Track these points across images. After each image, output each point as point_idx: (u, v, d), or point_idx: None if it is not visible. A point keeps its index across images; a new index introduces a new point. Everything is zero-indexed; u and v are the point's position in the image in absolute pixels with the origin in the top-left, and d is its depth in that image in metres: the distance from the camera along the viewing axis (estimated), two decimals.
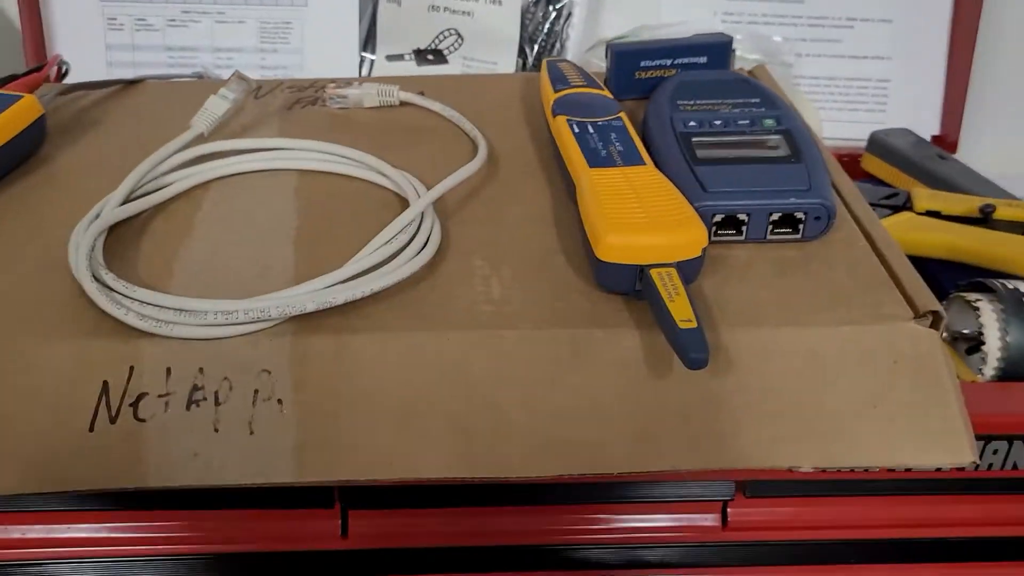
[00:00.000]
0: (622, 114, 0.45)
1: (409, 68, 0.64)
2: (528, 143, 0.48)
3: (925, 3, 0.68)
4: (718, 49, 0.52)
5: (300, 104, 0.52)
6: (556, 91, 0.47)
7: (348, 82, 0.50)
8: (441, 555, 0.45)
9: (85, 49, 0.64)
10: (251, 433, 0.33)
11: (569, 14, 0.65)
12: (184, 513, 0.43)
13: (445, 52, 0.62)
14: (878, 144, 0.63)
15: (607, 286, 0.37)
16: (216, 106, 0.46)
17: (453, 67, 0.63)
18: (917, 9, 0.68)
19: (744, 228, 0.40)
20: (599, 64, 0.63)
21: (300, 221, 0.41)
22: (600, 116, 0.44)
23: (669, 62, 0.52)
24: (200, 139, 0.46)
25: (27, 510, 0.41)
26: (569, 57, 0.65)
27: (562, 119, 0.44)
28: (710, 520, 0.45)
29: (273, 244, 0.40)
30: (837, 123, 0.49)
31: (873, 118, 0.69)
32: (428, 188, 0.42)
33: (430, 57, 0.63)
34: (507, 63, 0.63)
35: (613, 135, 0.43)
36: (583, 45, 0.65)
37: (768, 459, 0.34)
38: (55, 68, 0.53)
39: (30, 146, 0.45)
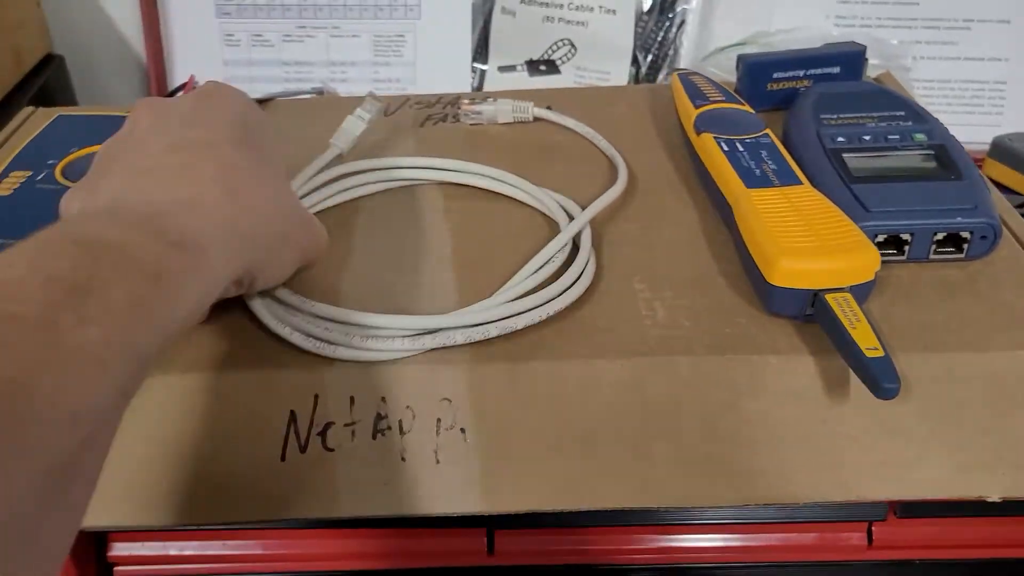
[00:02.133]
0: (768, 130, 0.44)
1: (521, 78, 0.64)
2: (665, 159, 0.48)
3: None
4: (852, 58, 0.51)
5: (432, 120, 0.52)
6: (697, 107, 0.46)
7: (482, 98, 0.50)
8: (586, 573, 0.45)
9: (204, 66, 0.65)
10: (437, 463, 0.33)
11: (682, 22, 0.64)
12: (335, 532, 0.43)
13: (558, 62, 0.62)
14: (1002, 149, 0.62)
15: (776, 311, 0.36)
16: (353, 126, 0.47)
17: (565, 77, 0.63)
18: None
19: (907, 248, 0.39)
20: (717, 73, 0.63)
21: (455, 242, 0.42)
22: (747, 133, 0.44)
23: (802, 73, 0.51)
24: (339, 159, 0.46)
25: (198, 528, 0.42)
26: (683, 66, 0.65)
27: (708, 137, 0.44)
28: (855, 539, 0.45)
29: (433, 266, 0.40)
30: (953, 127, 0.48)
31: (989, 121, 0.68)
32: (570, 206, 0.42)
33: (543, 68, 0.63)
34: (620, 73, 0.62)
35: (763, 153, 0.42)
36: (697, 53, 0.65)
37: (955, 488, 0.33)
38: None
39: None
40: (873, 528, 0.45)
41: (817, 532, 0.45)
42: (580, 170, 0.47)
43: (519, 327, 0.35)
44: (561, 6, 0.63)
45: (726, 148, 0.43)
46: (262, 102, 0.55)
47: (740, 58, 0.51)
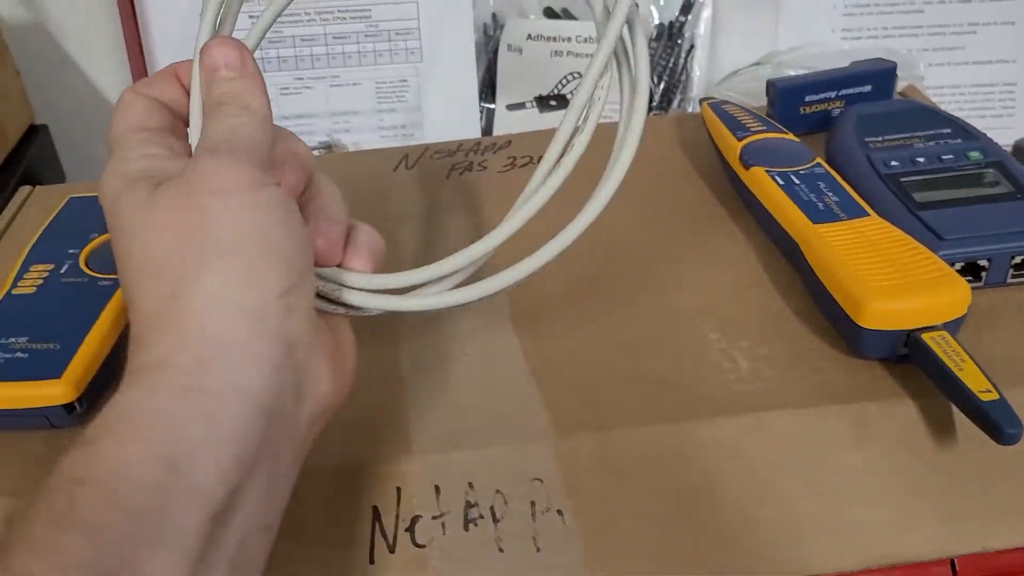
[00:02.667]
0: (819, 159, 0.43)
1: (531, 116, 0.62)
2: (707, 193, 0.47)
3: None
4: (883, 76, 0.50)
5: (457, 171, 0.50)
6: (740, 139, 0.45)
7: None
8: None
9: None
10: (537, 550, 0.31)
11: (692, 47, 0.63)
12: None
13: (569, 96, 0.60)
14: None
15: (866, 354, 0.35)
16: None
17: None
18: None
19: (984, 274, 0.38)
20: (736, 97, 0.62)
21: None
22: (799, 164, 0.42)
23: (834, 94, 0.50)
24: None
25: None
26: (697, 91, 0.63)
27: (760, 171, 0.42)
28: None
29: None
30: None
31: (1002, 123, 0.68)
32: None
33: (553, 103, 0.61)
34: None
35: (821, 184, 0.41)
36: (710, 78, 0.63)
37: None
38: None
39: None
40: None
41: None
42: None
43: None
44: (568, 39, 0.61)
45: (781, 182, 0.41)
46: None
47: (771, 83, 0.50)
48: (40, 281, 0.38)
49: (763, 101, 0.52)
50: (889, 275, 0.35)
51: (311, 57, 0.61)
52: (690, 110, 0.64)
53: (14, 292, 0.37)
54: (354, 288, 0.29)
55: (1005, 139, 0.65)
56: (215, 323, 0.24)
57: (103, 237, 0.40)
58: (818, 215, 0.39)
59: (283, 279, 0.25)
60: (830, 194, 0.40)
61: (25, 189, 0.52)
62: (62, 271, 0.38)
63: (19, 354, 0.34)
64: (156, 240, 0.25)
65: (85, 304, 0.36)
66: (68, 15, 0.67)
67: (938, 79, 0.67)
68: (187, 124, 0.30)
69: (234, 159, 0.26)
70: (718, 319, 0.38)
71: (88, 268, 0.38)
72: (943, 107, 0.68)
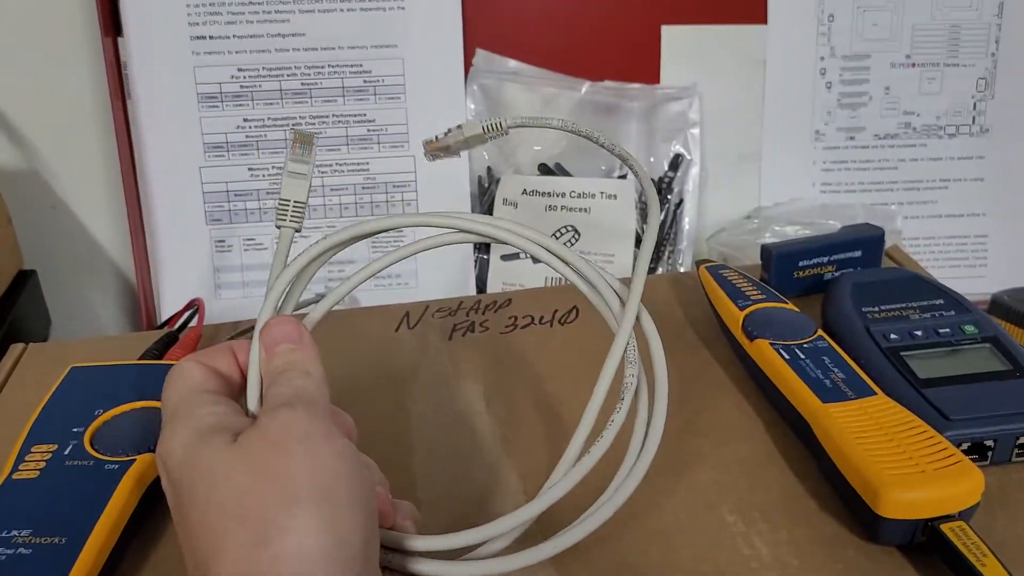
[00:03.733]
0: (821, 331, 0.44)
1: (525, 266, 0.63)
2: (709, 360, 0.47)
3: (1013, 159, 0.70)
4: (872, 242, 0.52)
5: (459, 331, 0.50)
6: (742, 308, 0.46)
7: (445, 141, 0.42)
8: None
9: (192, 272, 0.63)
10: None
11: (681, 201, 0.65)
12: None
13: None
14: (1003, 307, 0.63)
15: (885, 541, 0.35)
16: (296, 189, 0.34)
17: None
18: (1006, 166, 0.70)
19: (990, 453, 0.39)
20: (726, 251, 0.63)
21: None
22: (802, 337, 0.43)
23: (827, 259, 0.52)
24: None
25: None
26: (687, 243, 0.65)
27: (764, 344, 0.43)
28: None
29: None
30: (943, 281, 0.49)
31: (975, 273, 0.70)
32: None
33: None
34: (624, 255, 0.62)
35: (826, 360, 0.42)
36: (699, 233, 0.65)
37: None
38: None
39: None
40: None
41: None
42: None
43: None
44: (563, 195, 0.63)
45: (786, 356, 0.42)
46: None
47: (767, 248, 0.51)
48: (43, 464, 0.37)
49: (750, 254, 0.53)
50: (903, 462, 0.35)
51: (308, 207, 0.62)
52: (680, 262, 0.65)
53: (15, 477, 0.36)
54: (410, 551, 0.31)
55: (979, 288, 0.68)
56: (307, 571, 0.24)
57: (108, 413, 0.39)
58: (826, 393, 0.39)
59: (365, 527, 0.26)
60: (836, 370, 0.41)
61: (17, 347, 0.51)
62: (66, 452, 0.37)
63: (22, 550, 0.33)
64: (243, 484, 0.25)
65: (91, 490, 0.35)
66: (61, 159, 0.67)
67: (913, 231, 0.70)
68: (241, 391, 0.32)
69: (310, 412, 0.28)
70: (735, 498, 0.38)
71: (93, 449, 0.37)
72: (918, 257, 0.71)
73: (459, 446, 0.42)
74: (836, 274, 0.52)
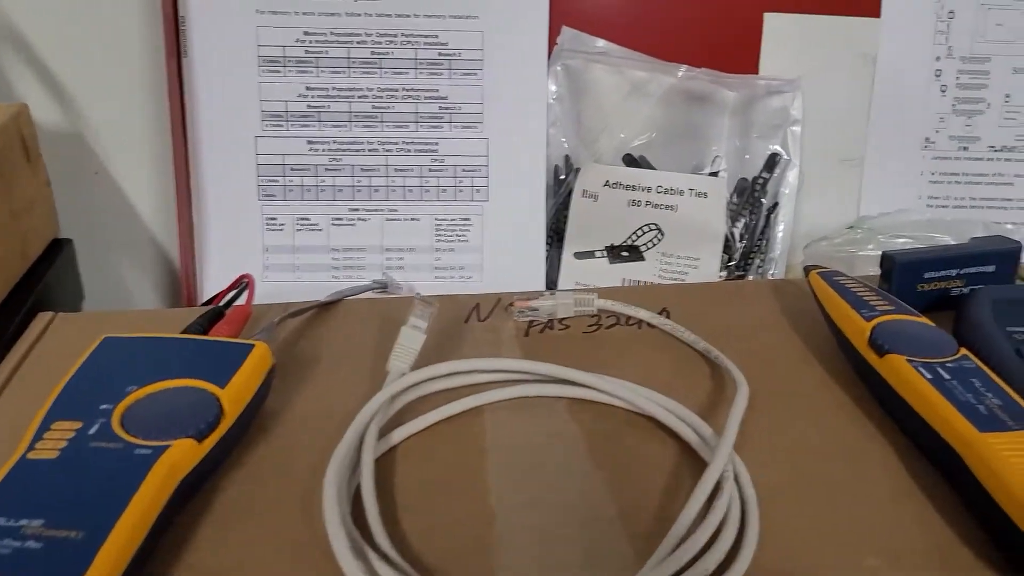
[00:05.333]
0: (964, 350, 0.38)
1: (600, 265, 0.58)
2: (823, 375, 0.41)
3: None
4: (1008, 256, 0.46)
5: (536, 327, 0.45)
6: (868, 320, 0.40)
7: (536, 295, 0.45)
8: None
9: (240, 252, 0.58)
10: None
11: (775, 205, 0.59)
12: None
13: (643, 248, 0.56)
14: None
15: None
16: (411, 340, 0.39)
17: (649, 264, 0.57)
18: None
19: None
20: (818, 261, 0.57)
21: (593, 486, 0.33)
22: (943, 355, 0.37)
23: (955, 272, 0.46)
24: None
25: None
26: (779, 252, 0.59)
27: (899, 360, 0.37)
28: None
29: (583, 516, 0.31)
30: None
31: None
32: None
33: (624, 254, 0.57)
34: (711, 260, 0.56)
35: (976, 382, 0.35)
36: (795, 241, 0.59)
37: None
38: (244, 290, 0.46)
39: (260, 401, 0.37)
40: None
41: None
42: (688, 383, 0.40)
43: None
44: (649, 189, 0.57)
45: (928, 376, 0.36)
46: (326, 305, 0.47)
47: (889, 255, 0.45)
48: (64, 443, 0.31)
49: (852, 267, 0.47)
50: None
51: (369, 188, 0.57)
52: (772, 272, 0.59)
53: (30, 456, 0.31)
54: None
55: None
56: None
57: (143, 391, 0.34)
58: (983, 422, 0.33)
59: None
60: (989, 395, 0.35)
61: (45, 316, 0.46)
62: (91, 431, 0.32)
63: (31, 543, 0.27)
64: None
65: (117, 477, 0.30)
66: (106, 120, 0.63)
67: None
68: None
69: None
70: (875, 539, 0.32)
71: (123, 430, 0.32)
72: None
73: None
74: (965, 290, 0.46)
